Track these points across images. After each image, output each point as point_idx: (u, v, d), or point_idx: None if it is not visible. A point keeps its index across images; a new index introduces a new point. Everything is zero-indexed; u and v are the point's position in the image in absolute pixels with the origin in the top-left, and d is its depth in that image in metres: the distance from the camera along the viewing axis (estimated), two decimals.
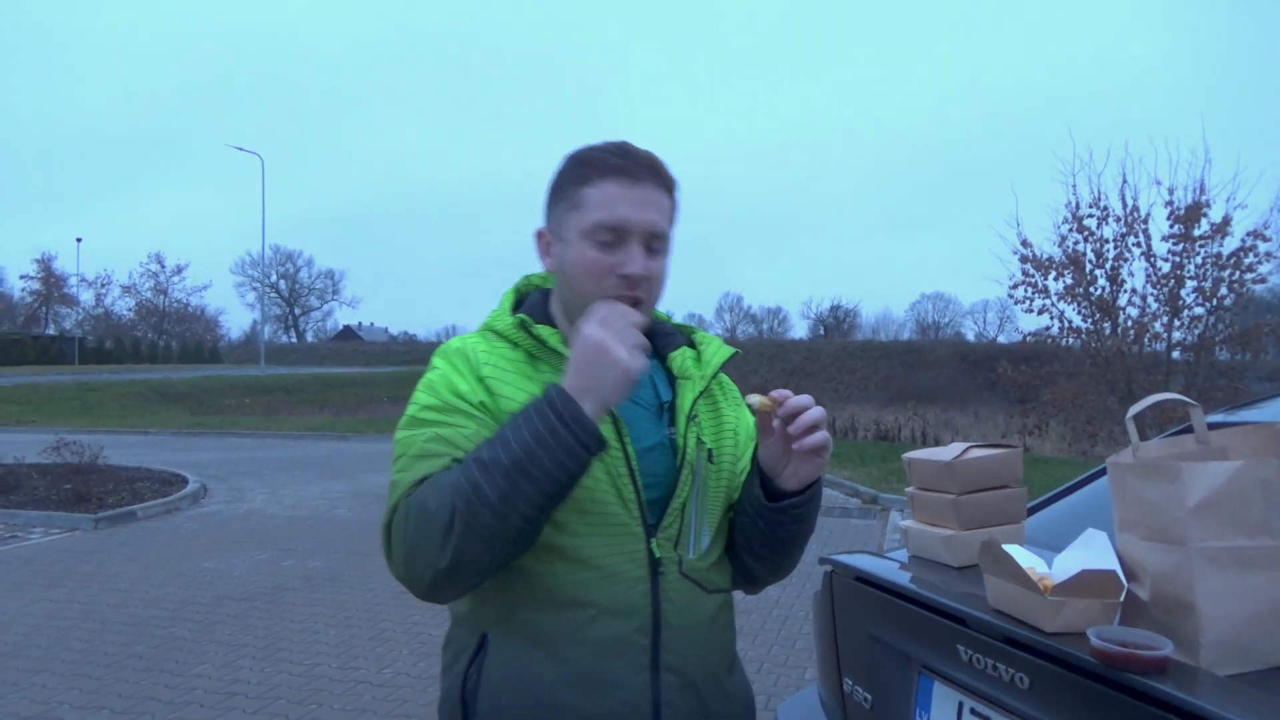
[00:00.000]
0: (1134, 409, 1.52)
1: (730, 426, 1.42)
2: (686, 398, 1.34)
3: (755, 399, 1.26)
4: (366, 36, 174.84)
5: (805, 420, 1.21)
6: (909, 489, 2.07)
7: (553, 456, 1.09)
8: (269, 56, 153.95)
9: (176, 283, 75.29)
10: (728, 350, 1.42)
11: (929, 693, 1.74)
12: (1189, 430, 1.59)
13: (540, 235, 1.33)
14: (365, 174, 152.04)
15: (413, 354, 68.94)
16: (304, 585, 6.21)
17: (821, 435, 1.23)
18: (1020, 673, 1.47)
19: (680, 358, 1.38)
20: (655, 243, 1.26)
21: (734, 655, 1.42)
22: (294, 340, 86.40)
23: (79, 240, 65.76)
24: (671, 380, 1.38)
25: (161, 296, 73.85)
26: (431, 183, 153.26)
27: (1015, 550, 1.54)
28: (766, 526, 1.31)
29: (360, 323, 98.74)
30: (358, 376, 41.42)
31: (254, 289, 75.57)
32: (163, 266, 73.40)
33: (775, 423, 1.25)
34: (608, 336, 1.13)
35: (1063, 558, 1.51)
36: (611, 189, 1.23)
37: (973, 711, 1.62)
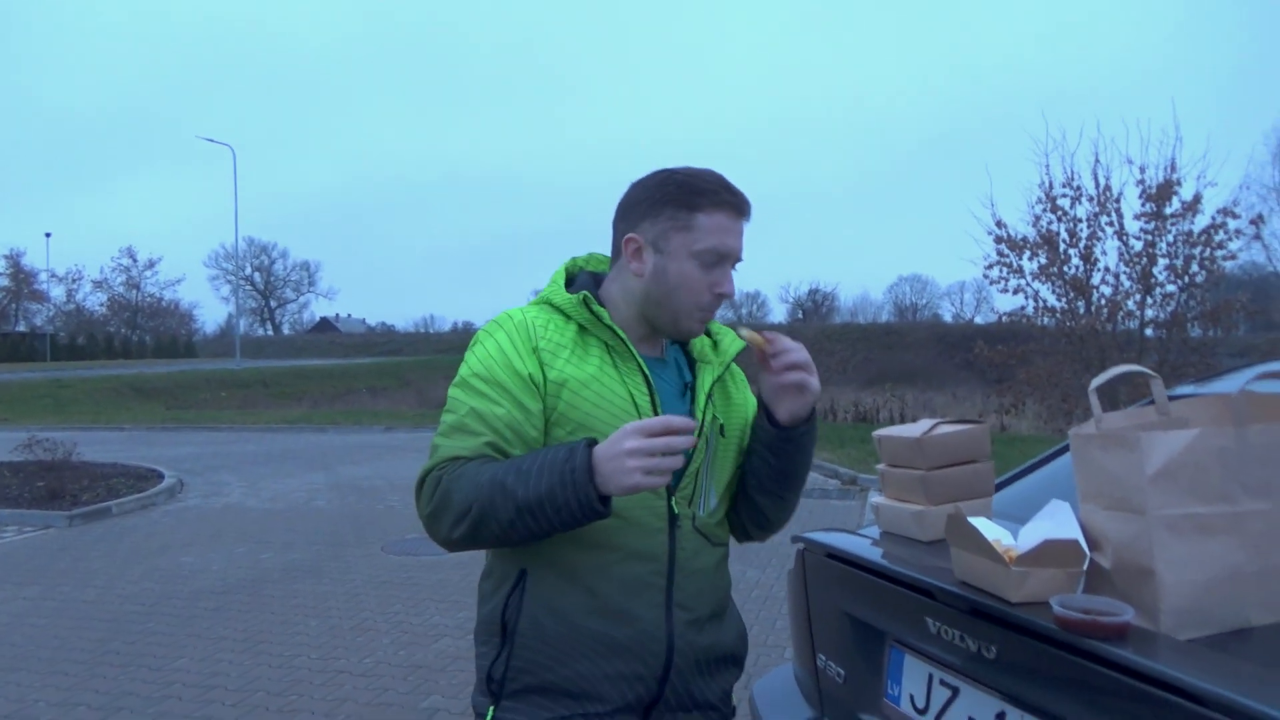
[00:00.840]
0: (1096, 381, 1.54)
1: (739, 406, 1.62)
2: (706, 380, 1.55)
3: (747, 332, 1.50)
4: (338, 25, 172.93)
5: (786, 360, 1.44)
6: (880, 466, 2.09)
7: (558, 515, 1.29)
8: (239, 47, 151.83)
9: (149, 277, 74.39)
10: (740, 343, 1.61)
11: (900, 665, 1.76)
12: (1153, 402, 1.61)
13: (631, 241, 1.47)
14: (340, 164, 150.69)
15: (391, 345, 68.61)
16: (283, 577, 6.18)
17: (800, 375, 1.45)
18: (987, 643, 1.49)
19: (700, 344, 1.60)
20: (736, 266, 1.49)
21: (730, 598, 1.65)
22: (270, 333, 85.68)
23: (48, 235, 64.48)
24: (691, 364, 1.59)
25: (134, 291, 72.94)
26: (407, 173, 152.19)
27: (981, 523, 1.56)
28: (773, 458, 1.53)
29: (337, 314, 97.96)
30: (335, 368, 41.15)
31: (228, 282, 74.99)
32: (134, 261, 72.49)
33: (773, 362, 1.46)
34: (637, 453, 1.24)
35: (1027, 529, 1.53)
36: (722, 220, 1.44)
37: (942, 682, 1.64)
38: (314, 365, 43.35)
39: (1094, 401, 1.53)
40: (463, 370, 1.45)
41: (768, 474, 1.56)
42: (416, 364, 42.39)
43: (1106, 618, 1.27)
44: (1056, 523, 1.49)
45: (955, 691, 1.60)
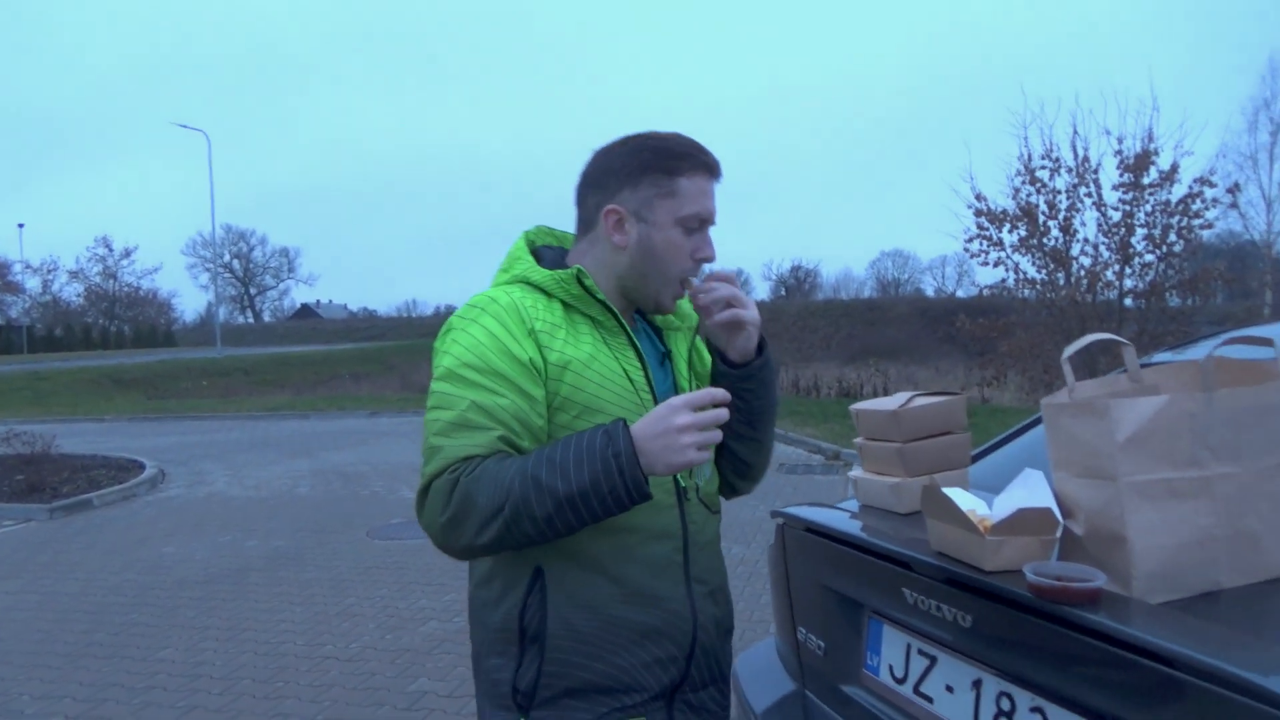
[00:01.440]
0: (1068, 351, 1.54)
1: (707, 372, 1.59)
2: (681, 346, 1.54)
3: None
4: (315, 6, 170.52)
5: (712, 296, 1.42)
6: (857, 439, 2.09)
7: (604, 505, 1.23)
8: (213, 30, 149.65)
9: (125, 266, 73.33)
10: None
11: (879, 636, 1.77)
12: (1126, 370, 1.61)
13: (612, 213, 1.42)
14: (318, 149, 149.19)
15: (373, 330, 68.24)
16: (268, 565, 6.16)
17: (731, 312, 1.42)
18: (963, 612, 1.50)
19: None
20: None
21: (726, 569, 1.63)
22: (251, 320, 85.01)
23: (21, 226, 63.87)
24: (658, 332, 1.55)
25: (111, 281, 71.94)
26: (386, 156, 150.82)
27: (957, 493, 1.57)
28: (739, 400, 1.47)
29: (318, 300, 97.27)
30: (317, 354, 40.86)
31: (207, 270, 74.18)
32: (110, 250, 71.24)
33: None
34: (689, 428, 1.21)
35: (1002, 498, 1.54)
36: (702, 183, 1.41)
37: (920, 652, 1.65)
38: (296, 352, 43.06)
39: (1067, 371, 1.54)
40: (447, 362, 1.34)
41: (737, 419, 1.49)
42: (400, 348, 42.13)
43: (1079, 584, 1.28)
44: (1030, 491, 1.50)
45: (933, 660, 1.62)
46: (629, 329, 1.44)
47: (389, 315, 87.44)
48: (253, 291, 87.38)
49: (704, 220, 1.42)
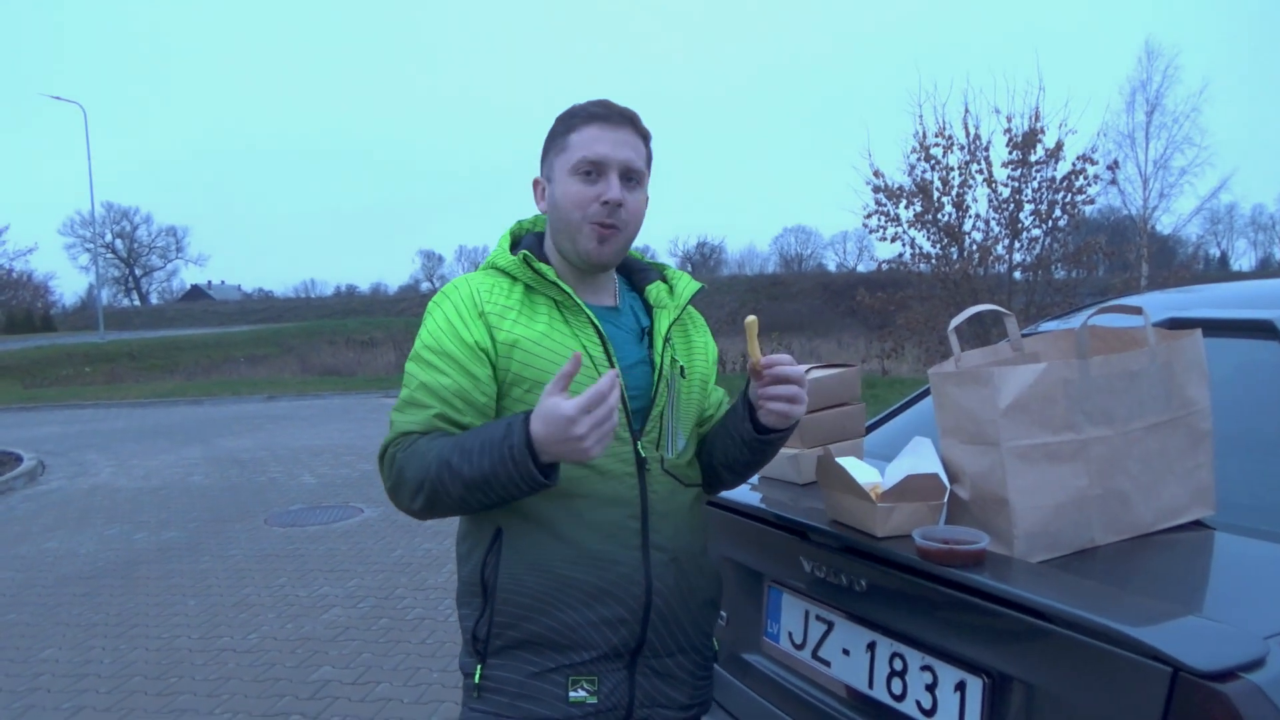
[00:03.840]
0: (954, 322, 1.59)
1: (700, 349, 1.65)
2: (663, 323, 1.56)
3: (752, 320, 1.47)
4: None
5: (779, 381, 1.45)
6: None
7: (505, 490, 1.32)
8: None
9: None
10: (696, 285, 1.65)
11: (778, 604, 1.81)
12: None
13: (536, 183, 1.55)
14: (204, 123, 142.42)
15: (270, 311, 65.81)
16: (159, 557, 5.91)
17: (787, 400, 1.44)
18: (857, 577, 1.54)
19: (656, 290, 1.61)
20: (632, 178, 1.48)
21: (705, 539, 1.66)
22: (137, 303, 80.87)
23: None
24: (648, 309, 1.60)
25: None
26: (279, 132, 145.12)
27: (850, 463, 1.60)
28: (747, 452, 1.56)
29: (210, 281, 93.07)
30: (210, 337, 39.20)
31: (86, 250, 70.12)
32: None
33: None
34: (589, 433, 1.24)
35: (892, 466, 1.58)
36: (593, 131, 1.46)
37: (818, 618, 1.69)
38: (186, 335, 41.20)
39: (953, 341, 1.59)
40: (416, 344, 1.47)
41: (738, 459, 1.59)
42: (298, 330, 40.82)
43: (963, 546, 1.33)
44: (919, 458, 1.54)
45: (830, 625, 1.66)
46: (587, 307, 1.49)
47: (286, 296, 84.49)
48: (138, 273, 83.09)
49: (595, 163, 1.45)
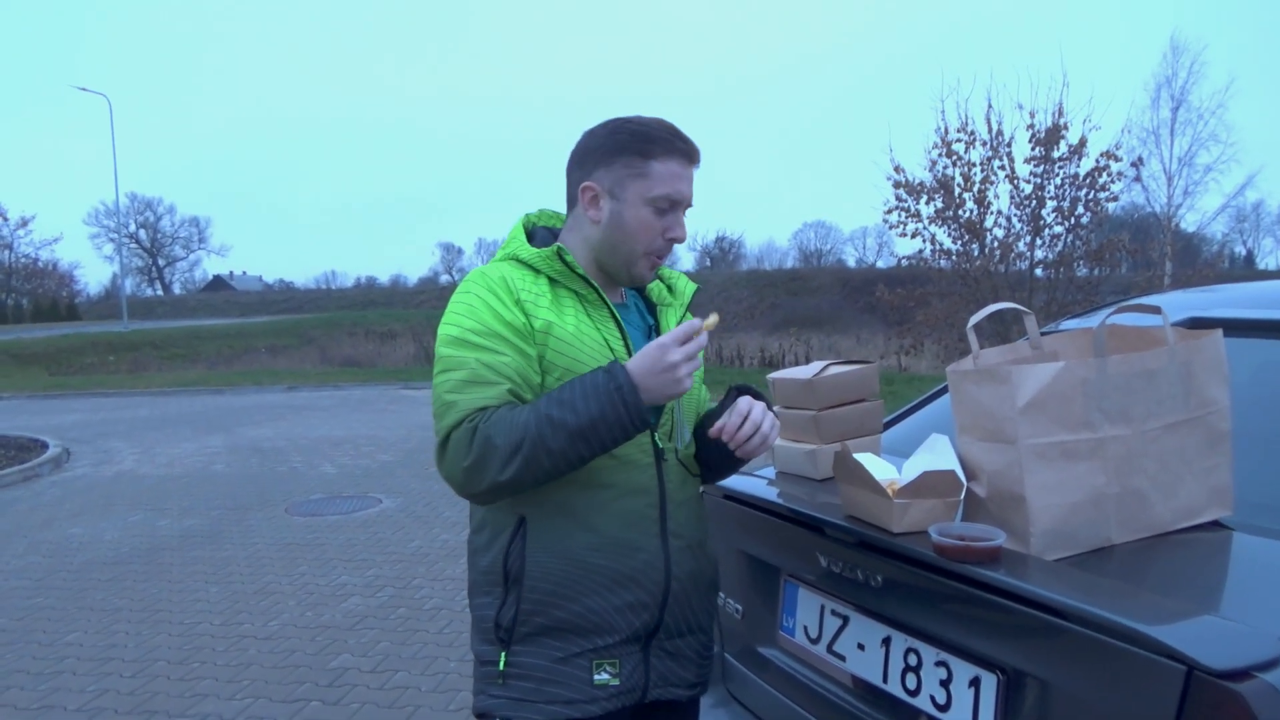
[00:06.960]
0: (973, 319, 1.59)
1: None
2: (670, 321, 1.64)
3: (712, 320, 1.48)
4: None
5: (744, 446, 1.51)
6: (774, 408, 2.12)
7: (611, 433, 1.38)
8: None
9: (22, 236, 69.32)
10: (693, 285, 1.74)
11: (794, 599, 1.82)
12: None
13: (588, 189, 1.54)
14: (229, 116, 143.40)
15: (291, 302, 66.30)
16: (181, 544, 5.98)
17: (759, 440, 1.51)
18: (873, 573, 1.55)
19: (656, 289, 1.69)
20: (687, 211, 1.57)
21: (708, 527, 1.74)
22: (160, 293, 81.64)
23: None
24: (649, 306, 1.68)
25: (6, 251, 68.16)
26: (302, 123, 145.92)
27: (868, 459, 1.61)
28: (729, 463, 1.66)
29: (231, 272, 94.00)
30: (231, 328, 39.50)
31: (111, 240, 70.92)
32: (5, 220, 67.37)
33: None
34: (683, 363, 1.37)
35: (909, 462, 1.59)
36: (674, 167, 1.51)
37: (833, 612, 1.70)
38: (208, 325, 41.53)
39: (972, 339, 1.59)
40: (452, 330, 1.47)
41: (727, 466, 1.69)
42: (319, 321, 41.09)
43: (980, 543, 1.34)
44: (936, 455, 1.55)
45: (845, 620, 1.67)
46: (610, 302, 1.55)
47: (307, 287, 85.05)
48: (161, 263, 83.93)
49: (675, 202, 1.52)
